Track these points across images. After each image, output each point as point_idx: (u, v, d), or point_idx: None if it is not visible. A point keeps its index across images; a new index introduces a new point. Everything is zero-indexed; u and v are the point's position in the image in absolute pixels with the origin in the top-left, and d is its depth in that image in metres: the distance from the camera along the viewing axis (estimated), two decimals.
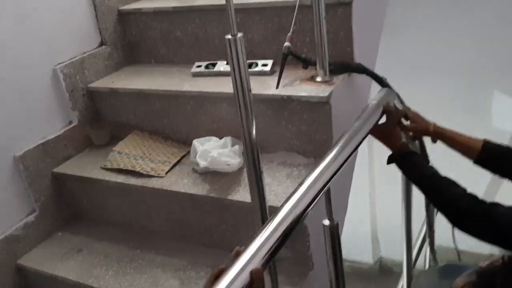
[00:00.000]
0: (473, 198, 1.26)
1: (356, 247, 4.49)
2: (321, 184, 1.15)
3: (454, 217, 1.28)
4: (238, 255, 0.88)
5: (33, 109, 1.91)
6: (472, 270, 0.92)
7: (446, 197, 1.30)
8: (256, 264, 0.89)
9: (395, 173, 2.51)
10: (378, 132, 1.45)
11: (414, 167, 1.40)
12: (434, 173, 1.36)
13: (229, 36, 1.16)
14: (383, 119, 1.46)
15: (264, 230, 0.98)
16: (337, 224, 1.32)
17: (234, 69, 1.20)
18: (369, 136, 1.44)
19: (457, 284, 1.04)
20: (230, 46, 1.17)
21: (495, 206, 1.21)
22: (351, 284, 4.67)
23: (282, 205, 1.06)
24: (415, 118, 1.58)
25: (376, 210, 4.45)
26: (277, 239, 0.97)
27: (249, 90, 1.22)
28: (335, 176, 1.22)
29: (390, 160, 1.46)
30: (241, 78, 1.20)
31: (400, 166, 1.43)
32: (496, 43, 3.30)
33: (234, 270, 0.86)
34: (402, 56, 3.40)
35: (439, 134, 1.53)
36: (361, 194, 4.09)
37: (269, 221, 1.01)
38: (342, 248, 1.32)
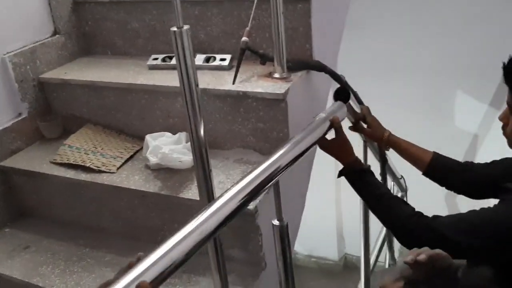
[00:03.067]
0: (419, 216, 1.26)
1: (322, 244, 4.51)
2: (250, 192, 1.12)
3: (401, 236, 1.28)
4: (130, 266, 0.84)
5: None
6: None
7: (393, 218, 1.30)
8: (147, 278, 0.84)
9: None
10: (328, 147, 1.43)
11: (364, 186, 1.39)
12: (383, 193, 1.35)
13: (174, 29, 1.11)
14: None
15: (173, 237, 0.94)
16: (287, 224, 1.30)
17: (180, 63, 1.15)
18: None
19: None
20: (175, 39, 1.12)
21: (437, 218, 1.21)
22: (316, 279, 4.69)
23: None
24: (372, 123, 1.58)
25: (342, 208, 4.47)
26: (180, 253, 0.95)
27: (196, 85, 1.18)
28: (281, 180, 1.20)
29: (340, 174, 1.44)
30: (187, 74, 1.16)
31: (350, 182, 1.42)
32: (459, 42, 3.33)
33: (120, 284, 0.81)
34: (365, 54, 3.40)
35: (392, 143, 1.55)
36: (327, 192, 4.09)
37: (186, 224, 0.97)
38: (308, 245, 1.33)
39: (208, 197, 1.30)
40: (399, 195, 2.95)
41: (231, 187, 1.10)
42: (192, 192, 1.57)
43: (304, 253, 4.45)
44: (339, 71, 1.81)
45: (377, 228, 2.63)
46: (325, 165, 2.03)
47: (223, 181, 1.61)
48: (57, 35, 2.08)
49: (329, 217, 4.38)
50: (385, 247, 2.81)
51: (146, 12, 2.02)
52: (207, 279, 1.54)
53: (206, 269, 1.55)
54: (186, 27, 1.12)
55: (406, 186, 2.86)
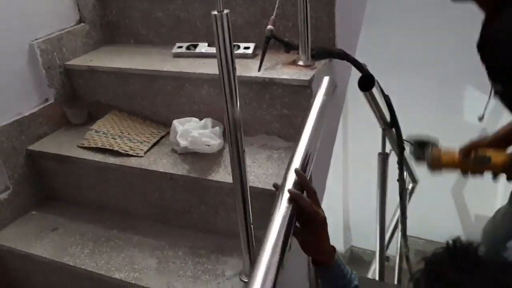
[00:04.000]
0: None
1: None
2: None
3: None
4: None
5: (8, 85, 1.86)
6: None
7: None
8: None
9: (368, 166, 2.56)
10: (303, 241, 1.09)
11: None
12: None
13: (215, 12, 1.16)
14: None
15: None
16: None
17: (219, 46, 1.19)
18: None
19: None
20: (216, 22, 1.16)
21: None
22: None
23: None
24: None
25: (349, 201, 4.52)
26: None
27: (234, 68, 1.22)
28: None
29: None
30: (226, 56, 1.20)
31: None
32: (469, 37, 3.37)
33: None
34: (380, 47, 3.44)
35: None
36: (335, 185, 4.14)
37: None
38: None
39: (241, 180, 1.35)
40: (410, 186, 3.01)
41: None
42: (220, 175, 1.62)
43: None
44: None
45: (388, 216, 2.68)
46: (333, 157, 2.07)
47: (249, 164, 1.65)
48: (82, 24, 2.13)
49: (335, 210, 4.43)
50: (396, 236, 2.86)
51: (170, 1, 2.06)
52: (234, 259, 1.58)
53: (234, 249, 1.60)
54: (226, 11, 1.16)
55: (417, 178, 2.92)
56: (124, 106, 2.02)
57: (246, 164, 1.34)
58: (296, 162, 1.16)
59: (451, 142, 1.64)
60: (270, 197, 1.54)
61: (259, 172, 1.62)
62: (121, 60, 2.02)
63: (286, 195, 1.03)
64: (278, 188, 1.07)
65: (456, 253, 0.84)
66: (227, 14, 1.16)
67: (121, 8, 2.18)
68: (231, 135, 1.30)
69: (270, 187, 1.53)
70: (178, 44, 2.00)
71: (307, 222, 1.04)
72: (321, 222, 1.05)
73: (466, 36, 3.31)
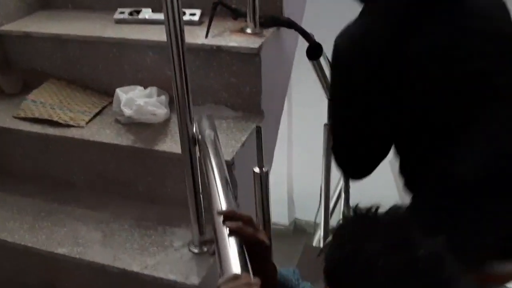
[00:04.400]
0: None
1: (273, 209, 4.61)
2: None
3: None
4: None
5: None
6: None
7: None
8: None
9: (313, 137, 2.58)
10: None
11: None
12: None
13: None
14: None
15: None
16: (267, 172, 1.33)
17: (167, 12, 1.15)
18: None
19: None
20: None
21: None
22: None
23: None
24: None
25: (292, 174, 4.58)
26: None
27: (182, 35, 1.19)
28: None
29: None
30: (174, 22, 1.16)
31: None
32: None
33: None
34: (326, 17, 3.44)
35: None
36: (279, 157, 4.17)
37: None
38: None
39: (190, 151, 1.32)
40: None
41: None
42: (167, 145, 1.57)
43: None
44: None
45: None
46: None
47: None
48: None
49: (280, 183, 4.48)
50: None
51: None
52: (183, 230, 1.56)
53: (182, 220, 1.57)
54: None
55: None
56: (63, 74, 1.92)
57: (194, 133, 1.31)
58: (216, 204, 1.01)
59: None
60: None
61: None
62: (59, 26, 1.91)
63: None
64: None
65: (356, 220, 0.85)
66: None
67: None
68: (180, 104, 1.26)
69: None
70: (120, 10, 1.91)
71: (253, 252, 0.90)
72: (266, 249, 0.95)
73: None
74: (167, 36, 1.19)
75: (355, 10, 1.26)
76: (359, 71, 1.16)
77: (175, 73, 1.24)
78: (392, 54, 1.11)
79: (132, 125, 1.68)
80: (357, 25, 1.19)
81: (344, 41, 1.19)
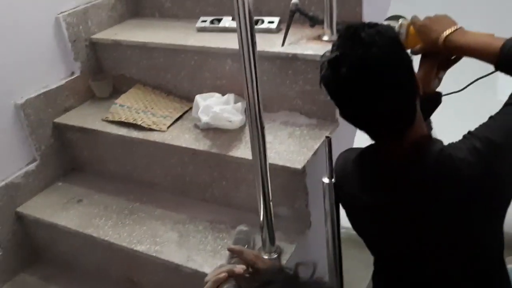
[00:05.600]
0: None
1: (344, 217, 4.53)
2: None
3: None
4: None
5: (36, 57, 1.89)
6: None
7: None
8: None
9: None
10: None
11: None
12: None
13: None
14: None
15: None
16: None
17: (240, 22, 1.18)
18: None
19: None
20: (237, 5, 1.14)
21: None
22: (346, 250, 4.76)
23: None
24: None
25: None
26: None
27: (254, 43, 1.21)
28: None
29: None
30: (246, 30, 1.18)
31: None
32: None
33: None
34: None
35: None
36: None
37: None
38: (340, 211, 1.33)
39: (260, 156, 1.34)
40: None
41: None
42: (241, 151, 1.61)
43: None
44: None
45: None
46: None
47: (271, 141, 1.65)
48: None
49: None
50: None
51: None
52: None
53: (254, 225, 1.60)
54: None
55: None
56: (148, 80, 2.03)
57: (265, 140, 1.33)
58: None
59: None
60: (291, 174, 1.55)
61: (280, 149, 1.61)
62: (145, 34, 2.02)
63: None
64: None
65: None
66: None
67: None
68: (251, 111, 1.29)
69: (291, 164, 1.54)
70: (202, 18, 1.98)
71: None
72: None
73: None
74: (239, 44, 1.22)
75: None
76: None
77: (246, 81, 1.26)
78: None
79: (209, 130, 1.74)
80: (354, 151, 1.17)
81: (339, 159, 1.23)
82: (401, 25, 1.28)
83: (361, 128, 1.07)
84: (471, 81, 1.27)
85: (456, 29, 1.14)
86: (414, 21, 1.26)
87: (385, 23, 1.33)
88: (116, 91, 2.07)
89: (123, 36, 2.03)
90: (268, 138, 1.67)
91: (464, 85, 1.28)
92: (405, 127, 1.02)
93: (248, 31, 1.19)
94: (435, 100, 1.34)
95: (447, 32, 1.14)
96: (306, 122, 1.75)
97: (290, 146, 1.62)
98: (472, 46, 1.12)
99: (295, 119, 1.77)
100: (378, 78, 0.95)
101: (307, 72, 1.70)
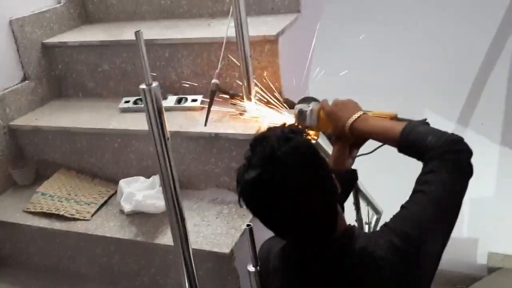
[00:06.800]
0: None
1: None
2: None
3: None
4: None
5: None
6: None
7: None
8: None
9: None
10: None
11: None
12: None
13: (143, 86, 1.13)
14: None
15: None
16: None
17: (150, 118, 1.17)
18: None
19: None
20: (145, 95, 1.14)
21: None
22: None
23: None
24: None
25: None
26: None
27: (167, 139, 1.20)
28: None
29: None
30: (158, 130, 1.17)
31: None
32: (426, 62, 3.42)
33: None
34: (335, 77, 3.45)
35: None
36: None
37: None
38: None
39: (182, 242, 1.31)
40: (375, 218, 2.98)
41: None
42: (167, 237, 1.57)
43: None
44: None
45: None
46: None
47: (198, 223, 1.62)
48: (27, 81, 2.08)
49: None
50: None
51: (116, 54, 2.04)
52: None
53: None
54: (155, 84, 1.14)
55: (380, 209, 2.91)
56: (72, 164, 1.97)
57: (186, 226, 1.30)
58: None
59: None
60: (219, 258, 1.52)
61: (208, 231, 1.58)
62: (68, 117, 1.98)
63: None
64: None
65: None
66: (156, 87, 1.14)
67: (67, 63, 2.14)
68: (167, 197, 1.26)
69: (219, 248, 1.51)
70: (125, 99, 1.97)
71: None
72: None
73: (420, 59, 3.39)
74: (148, 126, 1.20)
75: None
76: None
77: (160, 165, 1.23)
78: None
79: (135, 215, 1.69)
80: (278, 242, 1.17)
81: (263, 247, 1.22)
82: (312, 110, 1.32)
83: (283, 238, 1.07)
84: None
85: (360, 116, 1.19)
86: (323, 106, 1.30)
87: (298, 106, 1.38)
88: (40, 177, 2.00)
89: (44, 121, 1.98)
90: (196, 220, 1.66)
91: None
92: (328, 234, 1.03)
93: (157, 113, 1.17)
94: (351, 177, 1.38)
95: (352, 119, 1.19)
96: (234, 198, 1.73)
97: (218, 228, 1.60)
98: (375, 131, 1.17)
99: (223, 196, 1.76)
100: (298, 196, 0.96)
101: (231, 150, 1.70)
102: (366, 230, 2.62)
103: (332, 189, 1.02)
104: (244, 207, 1.02)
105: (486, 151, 3.68)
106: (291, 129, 1.01)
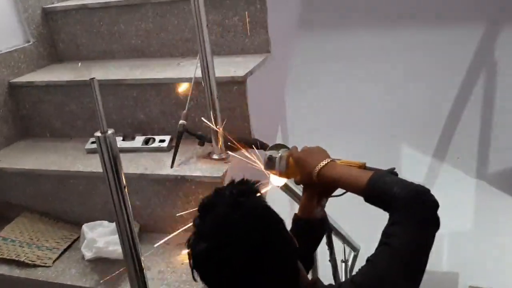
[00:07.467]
0: None
1: None
2: None
3: None
4: None
5: None
6: None
7: None
8: None
9: None
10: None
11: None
12: None
13: (98, 134, 1.11)
14: None
15: None
16: None
17: (106, 167, 1.14)
18: None
19: None
20: (99, 144, 1.11)
21: None
22: None
23: None
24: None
25: None
26: None
27: (124, 187, 1.17)
28: None
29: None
30: (114, 177, 1.14)
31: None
32: (401, 97, 3.46)
33: None
34: (308, 113, 3.47)
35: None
36: None
37: None
38: None
39: None
40: (352, 255, 2.95)
41: None
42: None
43: None
44: (281, 138, 1.83)
45: None
46: None
47: (163, 270, 1.57)
48: None
49: None
50: None
51: (84, 94, 2.01)
52: None
53: None
54: (110, 131, 1.12)
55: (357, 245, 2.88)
56: (36, 207, 1.92)
57: (146, 277, 1.27)
58: None
59: None
60: None
61: (172, 279, 1.53)
62: (32, 159, 1.93)
63: None
64: None
65: None
66: (111, 135, 1.11)
67: (34, 102, 2.10)
68: (125, 248, 1.23)
69: None
70: (91, 140, 1.93)
71: None
72: None
73: (395, 95, 3.42)
74: (104, 175, 1.18)
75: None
76: None
77: (115, 212, 1.20)
78: None
79: (98, 262, 1.64)
80: None
81: None
82: (281, 157, 1.30)
83: None
84: None
85: (327, 163, 1.17)
86: (291, 153, 1.28)
87: (267, 153, 1.35)
88: (2, 219, 1.93)
89: (7, 163, 1.92)
90: (161, 266, 1.61)
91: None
92: None
93: (112, 162, 1.15)
94: (320, 226, 1.34)
95: (319, 166, 1.17)
96: None
97: (183, 275, 1.55)
98: (342, 180, 1.14)
99: None
100: (254, 265, 0.92)
101: (198, 193, 1.67)
102: (343, 269, 2.59)
103: (290, 249, 0.99)
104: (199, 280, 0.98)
105: (462, 185, 3.71)
106: (240, 190, 0.98)
